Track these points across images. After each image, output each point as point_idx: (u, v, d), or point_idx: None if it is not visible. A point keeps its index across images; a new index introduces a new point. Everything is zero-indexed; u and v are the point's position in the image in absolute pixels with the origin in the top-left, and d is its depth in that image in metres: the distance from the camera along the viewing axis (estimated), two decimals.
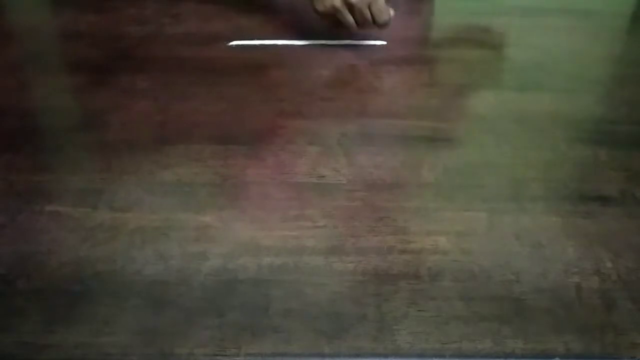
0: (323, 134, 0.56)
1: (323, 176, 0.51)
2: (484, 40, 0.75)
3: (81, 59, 0.69)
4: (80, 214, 0.47)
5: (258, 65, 0.68)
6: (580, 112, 0.62)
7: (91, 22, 0.78)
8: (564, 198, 0.49)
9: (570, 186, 0.51)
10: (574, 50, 0.73)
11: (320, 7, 0.67)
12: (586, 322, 0.39)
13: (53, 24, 0.80)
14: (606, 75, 0.71)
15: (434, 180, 0.51)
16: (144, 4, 0.81)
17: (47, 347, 0.37)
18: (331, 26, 0.69)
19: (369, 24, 0.66)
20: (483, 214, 0.47)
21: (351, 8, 0.65)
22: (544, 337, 0.38)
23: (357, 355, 0.37)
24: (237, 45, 0.71)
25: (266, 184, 0.51)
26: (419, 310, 0.40)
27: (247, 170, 0.52)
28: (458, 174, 0.52)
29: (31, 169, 0.52)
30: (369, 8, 0.65)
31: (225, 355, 0.37)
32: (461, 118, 0.59)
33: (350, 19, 0.66)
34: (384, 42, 0.71)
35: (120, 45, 0.72)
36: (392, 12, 0.67)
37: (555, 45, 0.74)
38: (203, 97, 0.62)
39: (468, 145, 0.55)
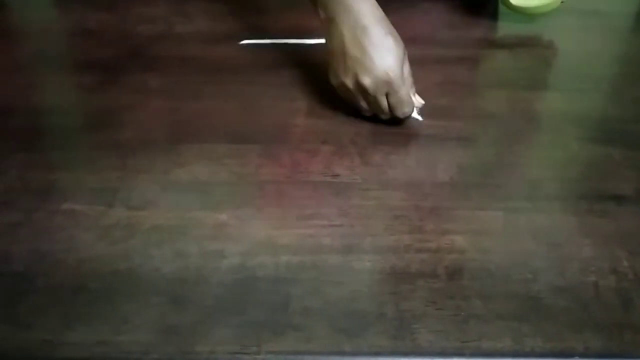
0: (337, 133, 0.56)
1: (337, 175, 0.51)
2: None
3: (92, 57, 0.69)
4: (96, 212, 0.47)
5: (269, 64, 0.68)
6: (592, 112, 0.62)
7: (101, 21, 0.78)
8: (579, 197, 0.50)
9: (584, 185, 0.51)
10: (583, 49, 0.73)
11: (333, 80, 0.57)
12: (604, 320, 0.39)
13: (63, 22, 0.80)
14: (616, 74, 0.71)
15: (448, 180, 0.51)
16: (153, 3, 0.81)
17: (68, 344, 0.38)
18: (348, 101, 0.58)
19: (386, 114, 0.56)
20: (499, 213, 0.48)
21: (365, 93, 0.55)
22: (563, 335, 0.38)
23: (378, 354, 0.37)
24: (248, 44, 0.71)
25: (281, 182, 0.51)
26: (438, 309, 0.40)
27: (262, 169, 0.52)
28: (472, 173, 0.52)
29: (46, 168, 0.52)
30: (387, 97, 0.55)
31: (246, 353, 0.37)
32: (473, 117, 0.59)
33: (363, 104, 0.56)
34: None
35: (131, 44, 0.72)
36: (418, 102, 0.57)
37: (566, 45, 0.74)
38: (215, 96, 0.62)
39: (481, 145, 0.56)
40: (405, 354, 0.37)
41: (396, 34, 0.56)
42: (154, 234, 0.45)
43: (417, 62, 0.67)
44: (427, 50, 0.71)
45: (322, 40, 0.72)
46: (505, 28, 0.78)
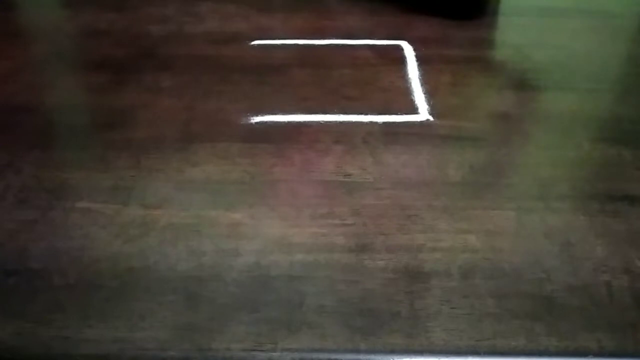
0: (348, 133, 0.57)
1: (350, 174, 0.52)
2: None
3: (104, 57, 0.70)
4: (112, 210, 0.47)
5: (280, 64, 0.68)
6: (603, 112, 0.62)
7: (112, 21, 0.78)
8: (591, 197, 0.50)
9: (596, 185, 0.51)
10: (593, 50, 0.73)
11: None
12: (618, 320, 0.39)
13: (73, 23, 0.80)
14: (626, 74, 0.71)
15: (460, 179, 0.51)
16: (164, 3, 0.82)
17: (85, 341, 0.38)
18: None
19: None
20: (511, 212, 0.48)
21: None
22: (577, 334, 0.38)
23: (392, 352, 0.37)
24: (258, 45, 0.72)
25: (294, 181, 0.51)
26: (452, 308, 0.40)
27: (275, 168, 0.52)
28: (484, 172, 0.52)
29: (60, 166, 0.53)
30: None
31: (262, 351, 0.37)
32: (484, 117, 0.60)
33: None
34: (405, 42, 0.72)
35: (142, 44, 0.72)
36: None
37: (574, 45, 0.74)
38: (227, 96, 0.62)
39: (493, 145, 0.56)
40: (420, 353, 0.37)
41: None
42: (169, 232, 0.45)
43: (426, 62, 0.68)
44: (437, 51, 0.71)
45: (332, 41, 0.73)
46: (514, 29, 0.78)
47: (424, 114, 0.59)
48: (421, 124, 0.58)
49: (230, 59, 0.69)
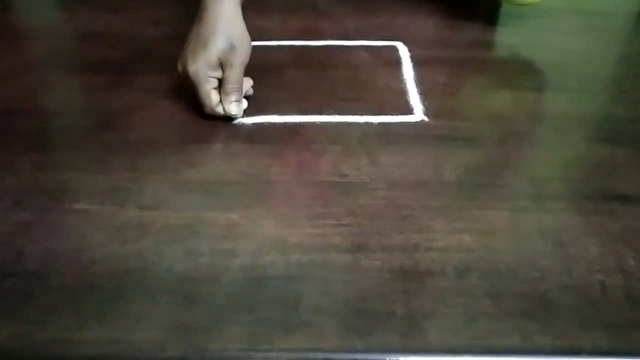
0: (344, 133, 0.57)
1: (346, 175, 0.52)
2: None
3: (101, 59, 0.70)
4: (108, 212, 0.48)
5: (276, 65, 0.68)
6: (597, 112, 0.62)
7: (108, 23, 0.78)
8: (585, 197, 0.50)
9: (590, 185, 0.51)
10: (588, 50, 0.73)
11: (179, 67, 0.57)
12: (612, 319, 0.40)
13: (70, 24, 0.80)
14: (620, 74, 0.71)
15: (455, 179, 0.51)
16: (160, 4, 0.82)
17: (82, 343, 0.38)
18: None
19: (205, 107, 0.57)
20: (506, 212, 0.48)
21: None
22: (572, 333, 0.39)
23: (388, 352, 0.38)
24: (254, 46, 0.72)
25: (290, 182, 0.51)
26: (447, 307, 0.40)
27: (271, 169, 0.52)
28: (479, 172, 0.52)
29: (57, 168, 0.53)
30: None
31: (258, 351, 0.37)
32: (479, 118, 0.60)
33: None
34: (400, 43, 0.72)
35: (139, 46, 0.72)
36: (228, 109, 0.56)
37: (569, 46, 0.74)
38: None
39: (488, 145, 0.56)
40: (415, 352, 0.38)
41: (232, 40, 0.55)
42: (166, 233, 0.46)
43: (422, 63, 0.69)
44: (432, 52, 0.71)
45: (328, 42, 0.73)
46: (509, 29, 0.78)
47: (419, 114, 0.60)
48: (416, 124, 0.58)
49: None
